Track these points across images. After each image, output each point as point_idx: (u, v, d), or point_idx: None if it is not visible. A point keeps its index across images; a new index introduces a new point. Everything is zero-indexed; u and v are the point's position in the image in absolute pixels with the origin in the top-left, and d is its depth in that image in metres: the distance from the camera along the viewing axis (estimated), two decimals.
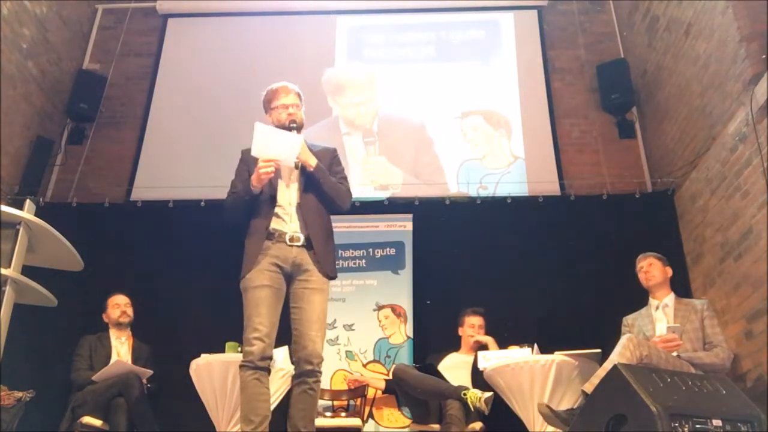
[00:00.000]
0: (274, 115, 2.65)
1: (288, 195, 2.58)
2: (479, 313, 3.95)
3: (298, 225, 2.54)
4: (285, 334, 2.51)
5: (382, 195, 5.09)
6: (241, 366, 2.39)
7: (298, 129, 2.60)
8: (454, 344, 4.00)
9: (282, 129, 2.54)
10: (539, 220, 4.71)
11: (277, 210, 2.55)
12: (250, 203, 2.58)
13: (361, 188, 5.11)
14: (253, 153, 2.51)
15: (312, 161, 2.57)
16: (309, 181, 2.58)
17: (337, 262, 2.69)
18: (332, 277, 2.58)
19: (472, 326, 3.91)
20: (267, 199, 2.57)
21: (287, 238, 2.51)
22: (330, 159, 2.71)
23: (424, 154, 5.30)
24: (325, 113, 5.47)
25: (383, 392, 4.02)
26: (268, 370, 2.42)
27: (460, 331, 3.97)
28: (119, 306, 3.92)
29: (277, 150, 2.49)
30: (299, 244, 2.51)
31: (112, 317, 3.91)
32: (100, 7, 6.06)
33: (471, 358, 3.80)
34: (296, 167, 2.55)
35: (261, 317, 2.40)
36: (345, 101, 5.59)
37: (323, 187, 2.58)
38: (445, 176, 5.22)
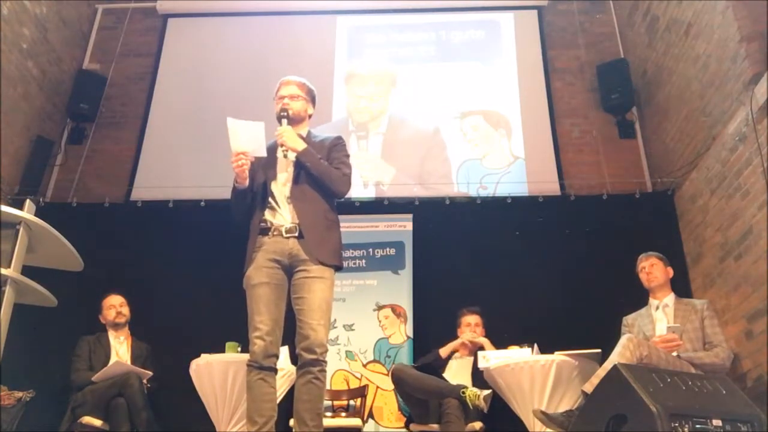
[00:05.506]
0: (276, 106, 2.64)
1: (280, 186, 2.54)
2: (474, 312, 3.91)
3: (291, 216, 2.49)
4: (287, 334, 2.50)
5: (376, 194, 5.04)
6: (247, 365, 2.39)
7: (290, 119, 2.57)
8: None
9: (278, 119, 2.56)
10: (539, 220, 4.71)
11: (271, 202, 2.53)
12: (250, 199, 2.56)
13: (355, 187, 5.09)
14: (232, 148, 2.48)
15: (299, 146, 2.51)
16: (300, 169, 2.54)
17: None
18: (332, 266, 2.48)
19: (468, 325, 3.87)
20: (261, 194, 2.55)
21: (283, 231, 2.47)
22: (330, 146, 2.64)
23: (434, 157, 5.26)
24: (325, 111, 5.44)
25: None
26: (274, 369, 2.40)
27: (459, 332, 3.93)
28: (114, 307, 3.92)
29: (246, 142, 2.46)
30: (294, 235, 2.47)
31: (108, 318, 3.91)
32: (100, 7, 6.06)
33: (469, 359, 3.77)
34: (285, 156, 2.53)
35: (261, 315, 2.40)
36: (350, 91, 5.60)
37: (312, 171, 2.50)
38: (446, 177, 5.19)
